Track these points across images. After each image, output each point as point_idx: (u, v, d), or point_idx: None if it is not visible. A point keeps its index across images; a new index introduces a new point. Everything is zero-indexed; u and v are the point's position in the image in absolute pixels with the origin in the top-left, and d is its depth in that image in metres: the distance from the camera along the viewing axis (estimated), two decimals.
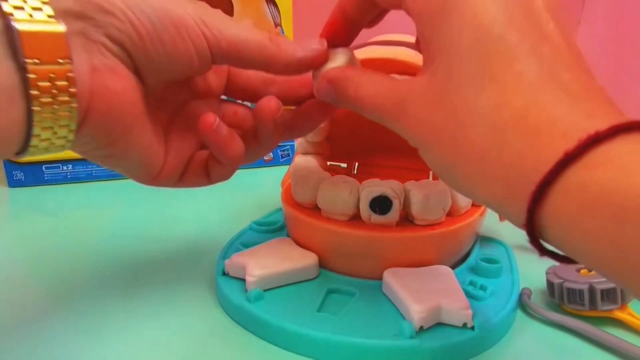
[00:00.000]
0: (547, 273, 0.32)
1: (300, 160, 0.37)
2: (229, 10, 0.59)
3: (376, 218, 0.31)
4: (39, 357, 0.27)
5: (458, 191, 0.22)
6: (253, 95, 0.29)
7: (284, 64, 0.26)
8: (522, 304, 0.32)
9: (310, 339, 0.27)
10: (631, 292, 0.17)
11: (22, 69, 0.20)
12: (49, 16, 0.21)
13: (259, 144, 0.29)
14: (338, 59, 0.26)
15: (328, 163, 0.40)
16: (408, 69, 0.31)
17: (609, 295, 0.29)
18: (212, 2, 0.25)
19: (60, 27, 0.21)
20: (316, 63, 0.27)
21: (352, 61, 0.27)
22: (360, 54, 0.33)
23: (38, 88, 0.20)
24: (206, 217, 0.47)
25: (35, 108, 0.21)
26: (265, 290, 0.30)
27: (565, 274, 0.31)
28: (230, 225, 0.42)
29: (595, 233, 0.16)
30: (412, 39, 0.33)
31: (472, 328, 0.27)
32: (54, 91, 0.21)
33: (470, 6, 0.20)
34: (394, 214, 0.31)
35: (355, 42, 0.35)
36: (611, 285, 0.29)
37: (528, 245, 0.19)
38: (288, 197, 0.35)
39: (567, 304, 0.31)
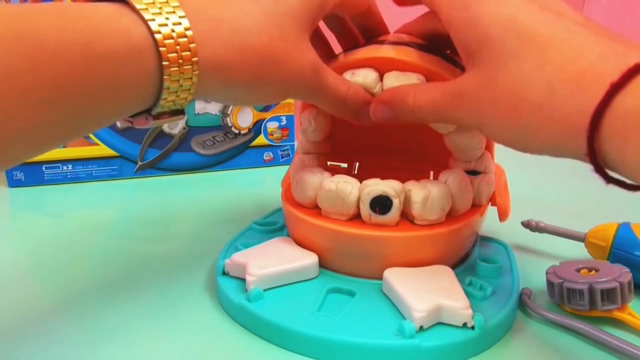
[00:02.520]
0: (547, 273, 0.32)
1: (300, 159, 0.37)
2: None
3: (376, 218, 0.31)
4: (38, 357, 0.27)
5: (524, 149, 0.25)
6: None
7: None
8: (522, 304, 0.32)
9: (310, 339, 0.27)
10: None
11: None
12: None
13: None
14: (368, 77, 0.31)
15: (328, 163, 0.40)
16: (409, 68, 0.31)
17: (609, 295, 0.29)
18: None
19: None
20: None
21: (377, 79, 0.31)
22: (361, 53, 0.33)
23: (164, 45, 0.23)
24: (206, 217, 0.47)
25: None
26: (265, 290, 0.30)
27: (565, 274, 0.31)
28: (230, 225, 0.42)
29: None
30: (413, 38, 0.33)
31: (472, 328, 0.27)
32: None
33: (493, 5, 0.25)
34: (394, 214, 0.31)
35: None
36: (611, 285, 0.29)
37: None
38: (288, 196, 0.35)
39: (567, 304, 0.31)
